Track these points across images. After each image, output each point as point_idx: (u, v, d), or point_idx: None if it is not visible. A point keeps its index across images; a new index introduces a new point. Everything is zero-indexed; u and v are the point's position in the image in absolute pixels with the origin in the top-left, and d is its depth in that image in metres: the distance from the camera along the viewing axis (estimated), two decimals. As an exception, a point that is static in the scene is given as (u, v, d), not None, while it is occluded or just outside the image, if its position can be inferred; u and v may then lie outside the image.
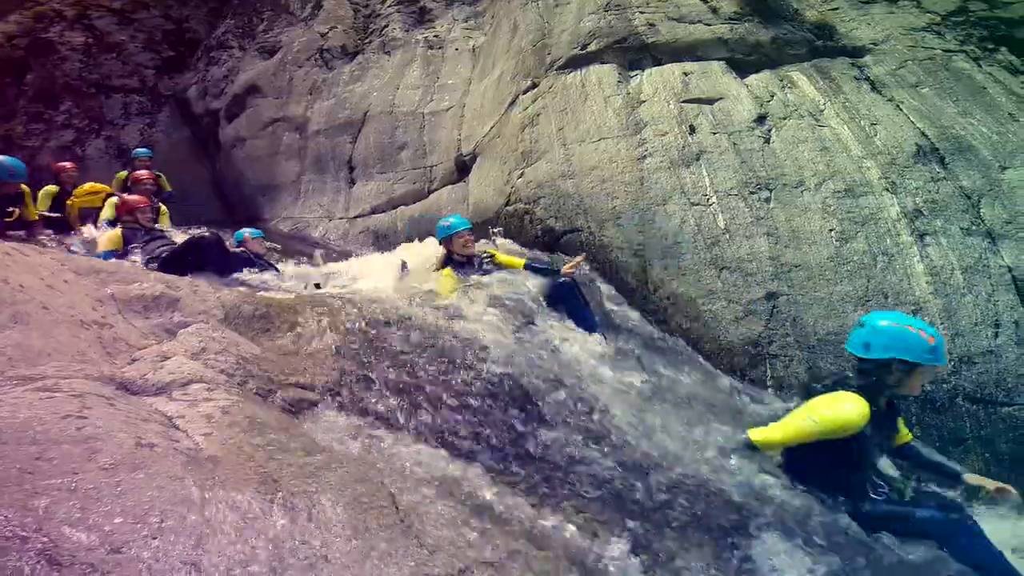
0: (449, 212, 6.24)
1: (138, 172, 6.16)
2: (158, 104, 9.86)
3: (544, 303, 3.67)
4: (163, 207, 5.96)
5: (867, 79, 4.87)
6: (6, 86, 9.15)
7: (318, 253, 5.66)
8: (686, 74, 5.01)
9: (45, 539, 0.92)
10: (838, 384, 2.65)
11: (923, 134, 4.41)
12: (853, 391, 2.41)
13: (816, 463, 2.42)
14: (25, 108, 9.17)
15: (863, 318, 2.59)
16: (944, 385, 3.46)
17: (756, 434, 2.54)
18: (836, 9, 5.37)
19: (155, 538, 1.05)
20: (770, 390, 3.64)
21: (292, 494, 1.47)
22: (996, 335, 3.56)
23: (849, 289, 3.81)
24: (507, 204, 5.14)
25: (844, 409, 2.33)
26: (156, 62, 10.10)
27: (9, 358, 1.58)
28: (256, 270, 4.41)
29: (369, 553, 1.43)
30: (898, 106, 4.62)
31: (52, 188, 6.01)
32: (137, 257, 4.31)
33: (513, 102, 5.73)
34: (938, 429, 3.40)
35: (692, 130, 4.65)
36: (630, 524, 2.08)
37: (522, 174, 5.09)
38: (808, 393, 3.27)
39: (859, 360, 2.53)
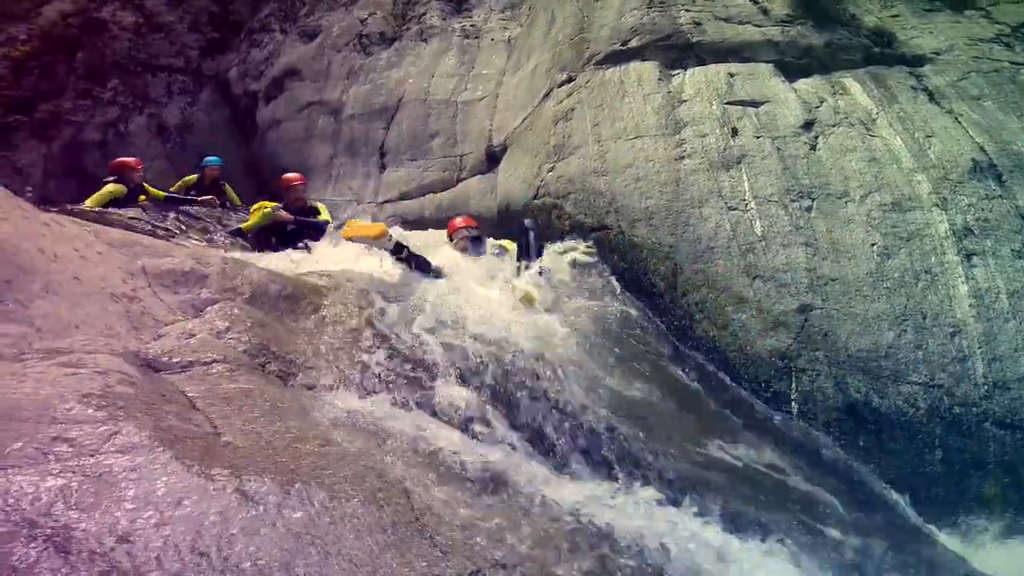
0: (477, 202, 6.21)
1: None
2: (200, 84, 10.03)
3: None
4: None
5: (925, 89, 4.63)
6: (58, 63, 9.42)
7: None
8: (731, 75, 4.83)
9: (55, 524, 0.90)
10: None
11: (982, 149, 4.17)
12: None
13: None
14: (74, 85, 9.42)
15: None
16: (973, 409, 3.38)
17: None
18: (897, 16, 5.11)
19: (166, 526, 1.03)
20: (794, 404, 3.55)
21: (308, 486, 1.44)
22: (1035, 361, 3.44)
23: (886, 307, 3.66)
24: (535, 197, 5.06)
25: None
26: (201, 43, 10.28)
27: (38, 329, 1.60)
28: None
29: (383, 550, 1.40)
30: (957, 119, 4.38)
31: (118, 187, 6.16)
32: None
33: (547, 95, 5.63)
34: (960, 452, 3.35)
35: (734, 132, 4.49)
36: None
37: (553, 168, 5.01)
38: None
39: None
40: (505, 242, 4.62)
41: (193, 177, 7.32)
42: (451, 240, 4.70)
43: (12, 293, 1.77)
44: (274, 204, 5.46)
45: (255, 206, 5.47)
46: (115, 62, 9.63)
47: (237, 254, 4.09)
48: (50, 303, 1.79)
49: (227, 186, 7.53)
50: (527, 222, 4.53)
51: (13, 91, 9.00)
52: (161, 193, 6.75)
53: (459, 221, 4.80)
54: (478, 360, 2.83)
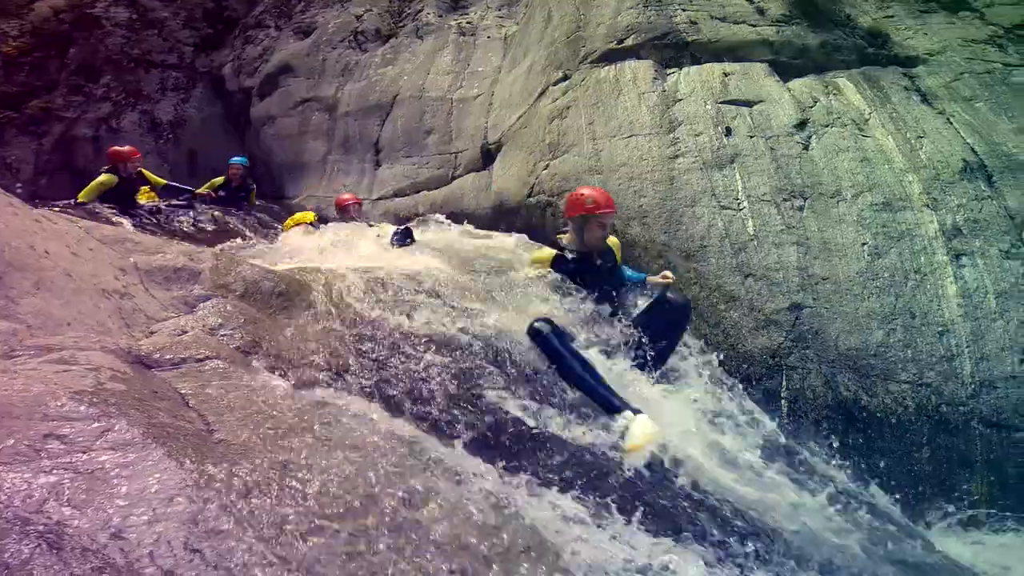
0: (472, 199, 6.21)
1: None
2: (193, 80, 9.95)
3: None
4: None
5: (918, 90, 4.67)
6: (50, 59, 9.33)
7: None
8: (726, 74, 4.85)
9: (47, 521, 0.91)
10: None
11: (972, 150, 4.21)
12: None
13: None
14: (66, 81, 9.33)
15: None
16: (961, 408, 3.44)
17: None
18: (891, 17, 5.15)
19: (159, 523, 1.03)
20: (784, 402, 3.60)
21: (302, 484, 1.45)
22: (1022, 361, 3.50)
23: (876, 306, 3.71)
24: (530, 195, 5.07)
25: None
26: (195, 39, 10.20)
27: (29, 326, 1.59)
28: None
29: (373, 551, 1.41)
30: (948, 119, 4.42)
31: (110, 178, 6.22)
32: None
33: (543, 93, 5.64)
34: (947, 450, 3.41)
35: (728, 132, 4.52)
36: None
37: (547, 166, 5.02)
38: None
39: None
40: (565, 237, 3.97)
41: (220, 179, 7.45)
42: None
43: (3, 290, 1.76)
44: (309, 219, 5.49)
45: (290, 220, 5.49)
46: (108, 58, 9.54)
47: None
48: (41, 300, 1.78)
49: (253, 185, 7.70)
50: (673, 297, 3.33)
51: (4, 87, 8.91)
52: (161, 180, 6.84)
53: None
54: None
